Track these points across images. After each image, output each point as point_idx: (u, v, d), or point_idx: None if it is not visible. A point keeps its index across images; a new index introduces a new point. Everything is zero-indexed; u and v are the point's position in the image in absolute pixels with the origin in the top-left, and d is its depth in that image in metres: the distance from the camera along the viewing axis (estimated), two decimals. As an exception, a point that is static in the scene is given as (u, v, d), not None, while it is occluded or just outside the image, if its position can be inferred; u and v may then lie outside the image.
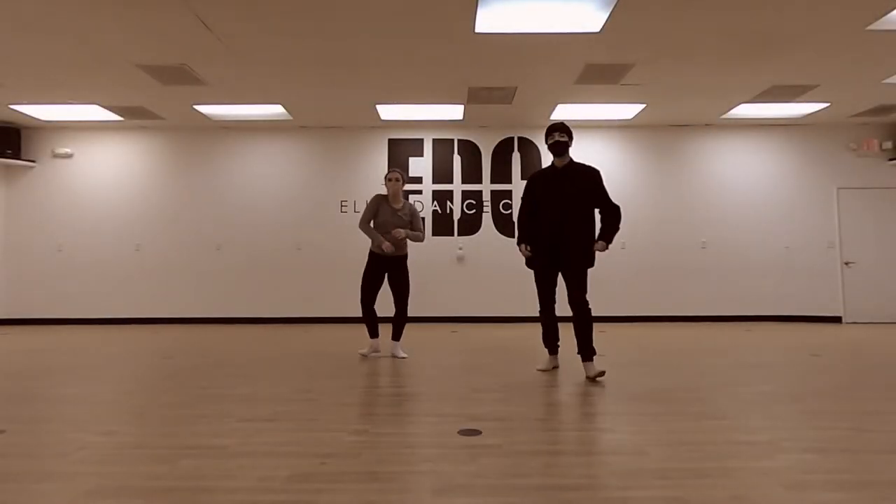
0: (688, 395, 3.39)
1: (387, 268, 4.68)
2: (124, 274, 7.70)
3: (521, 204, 4.18)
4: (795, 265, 7.71)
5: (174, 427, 2.74)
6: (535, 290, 4.15)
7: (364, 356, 4.82)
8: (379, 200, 4.68)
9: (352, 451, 2.40)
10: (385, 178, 4.72)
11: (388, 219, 4.60)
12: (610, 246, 3.95)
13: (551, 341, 4.19)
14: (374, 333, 4.81)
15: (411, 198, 7.78)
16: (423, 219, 4.49)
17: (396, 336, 4.78)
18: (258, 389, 3.58)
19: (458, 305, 7.66)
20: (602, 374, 3.83)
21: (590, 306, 3.91)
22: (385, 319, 5.13)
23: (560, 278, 4.05)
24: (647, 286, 7.69)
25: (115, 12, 4.28)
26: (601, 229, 3.95)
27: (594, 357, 3.89)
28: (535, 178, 4.12)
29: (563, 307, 4.09)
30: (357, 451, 2.40)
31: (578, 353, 3.92)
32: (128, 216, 7.77)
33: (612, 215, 3.96)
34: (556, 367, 4.22)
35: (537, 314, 4.27)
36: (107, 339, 6.10)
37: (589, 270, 3.97)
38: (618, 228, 3.96)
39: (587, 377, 3.85)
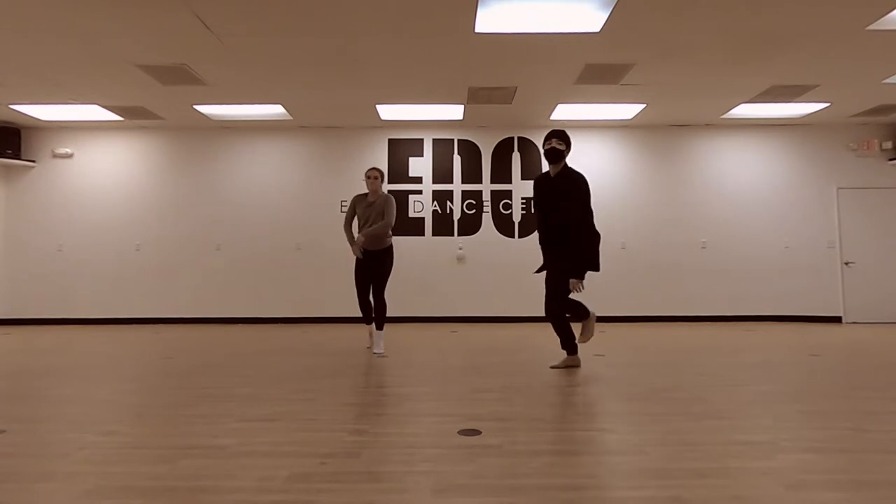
0: (688, 395, 3.39)
1: (370, 262, 4.93)
2: (124, 274, 7.70)
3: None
4: (795, 265, 7.70)
5: (174, 427, 2.74)
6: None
7: (369, 348, 5.10)
8: (356, 199, 5.02)
9: (352, 451, 2.39)
10: (364, 175, 5.01)
11: (364, 212, 4.91)
12: (586, 274, 3.98)
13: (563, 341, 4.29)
14: (367, 321, 5.11)
15: (411, 198, 7.79)
16: (395, 210, 4.99)
17: (379, 326, 4.98)
18: (258, 389, 3.58)
19: (458, 305, 7.66)
20: (556, 367, 4.19)
21: (560, 312, 4.12)
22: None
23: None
24: (647, 286, 7.69)
25: (116, 12, 4.28)
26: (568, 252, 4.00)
27: (566, 351, 4.25)
28: (535, 182, 4.30)
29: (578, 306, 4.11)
30: (357, 451, 2.40)
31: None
32: (128, 216, 7.77)
33: (579, 233, 3.91)
34: (576, 366, 4.28)
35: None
36: (107, 339, 6.10)
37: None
38: (584, 252, 3.93)
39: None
